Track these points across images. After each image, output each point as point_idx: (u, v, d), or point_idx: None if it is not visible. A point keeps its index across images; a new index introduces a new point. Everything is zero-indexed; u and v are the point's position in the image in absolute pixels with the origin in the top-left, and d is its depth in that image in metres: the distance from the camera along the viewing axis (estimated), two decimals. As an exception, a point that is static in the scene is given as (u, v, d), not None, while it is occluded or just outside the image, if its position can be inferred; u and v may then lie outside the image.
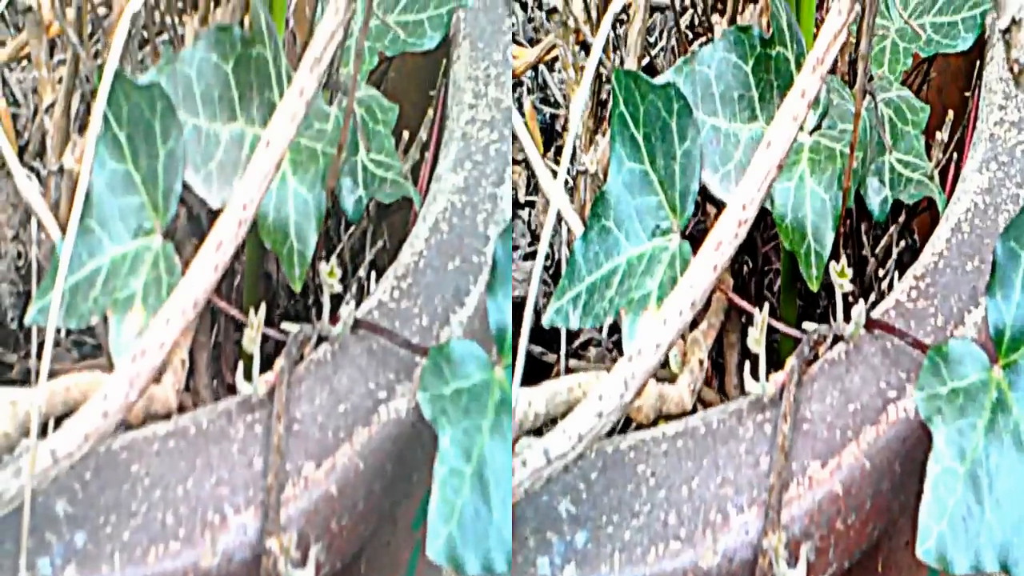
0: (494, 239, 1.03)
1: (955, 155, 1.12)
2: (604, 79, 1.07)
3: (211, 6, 1.06)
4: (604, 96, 1.10)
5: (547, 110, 1.29)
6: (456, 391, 0.90)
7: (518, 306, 1.24)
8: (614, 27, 1.17)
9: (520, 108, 1.26)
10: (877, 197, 1.05)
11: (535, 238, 1.27)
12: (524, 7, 1.36)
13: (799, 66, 0.97)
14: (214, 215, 0.97)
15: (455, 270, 1.01)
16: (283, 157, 0.85)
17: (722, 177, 0.97)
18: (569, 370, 1.18)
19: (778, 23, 0.97)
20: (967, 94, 1.19)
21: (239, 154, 0.97)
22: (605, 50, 1.05)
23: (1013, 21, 0.73)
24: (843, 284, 0.93)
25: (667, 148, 0.96)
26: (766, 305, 0.90)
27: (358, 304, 0.99)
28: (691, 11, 1.24)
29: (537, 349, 1.24)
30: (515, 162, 1.29)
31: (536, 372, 1.25)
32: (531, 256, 1.26)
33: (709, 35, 1.21)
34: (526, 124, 1.05)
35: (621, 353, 1.09)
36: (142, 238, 0.94)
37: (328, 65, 1.11)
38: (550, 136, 1.30)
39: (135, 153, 0.94)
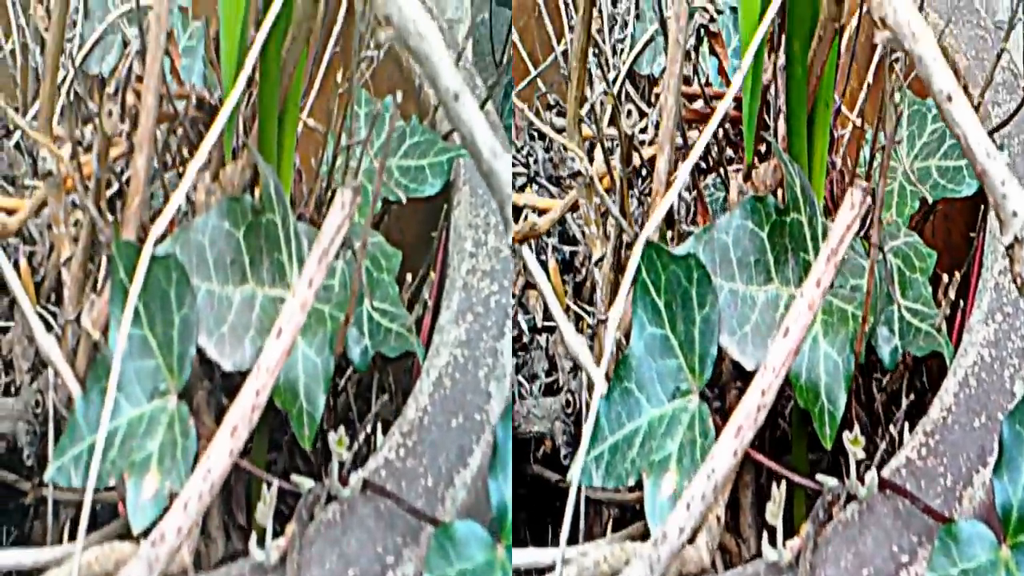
0: (496, 396, 1.02)
1: (962, 301, 1.11)
2: (625, 245, 1.07)
3: (221, 162, 1.05)
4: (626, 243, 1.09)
5: (566, 248, 1.28)
6: (460, 572, 0.89)
7: (537, 441, 1.23)
8: (639, 178, 1.16)
9: (543, 261, 1.25)
10: (887, 346, 1.04)
11: (552, 366, 1.26)
12: (542, 137, 1.35)
13: (813, 228, 0.97)
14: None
15: (458, 428, 1.00)
16: (294, 343, 0.85)
17: (739, 340, 0.97)
18: (587, 499, 1.16)
19: (792, 191, 0.97)
20: (972, 235, 1.18)
21: (250, 316, 0.97)
22: (625, 213, 1.04)
23: (1016, 239, 0.73)
24: (856, 452, 0.92)
25: (687, 314, 0.95)
26: (784, 483, 0.89)
27: (364, 459, 0.98)
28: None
29: (554, 476, 1.23)
30: (532, 287, 1.28)
31: (552, 497, 1.24)
32: (550, 390, 1.24)
33: (719, 169, 1.20)
34: (549, 279, 1.04)
35: (639, 483, 1.07)
36: (158, 400, 0.94)
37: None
38: (567, 270, 1.29)
39: (151, 319, 0.94)
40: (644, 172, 1.18)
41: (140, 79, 1.22)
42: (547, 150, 1.34)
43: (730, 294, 0.97)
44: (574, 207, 1.11)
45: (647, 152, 1.13)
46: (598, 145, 1.10)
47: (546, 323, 1.30)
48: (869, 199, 0.85)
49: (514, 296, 1.27)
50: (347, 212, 0.85)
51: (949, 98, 0.74)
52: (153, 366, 0.95)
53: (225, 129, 1.02)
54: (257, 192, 1.06)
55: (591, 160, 1.15)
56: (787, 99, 1.01)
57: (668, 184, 0.98)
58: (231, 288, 0.97)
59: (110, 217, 1.06)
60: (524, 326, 1.30)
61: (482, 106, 1.11)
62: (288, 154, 1.04)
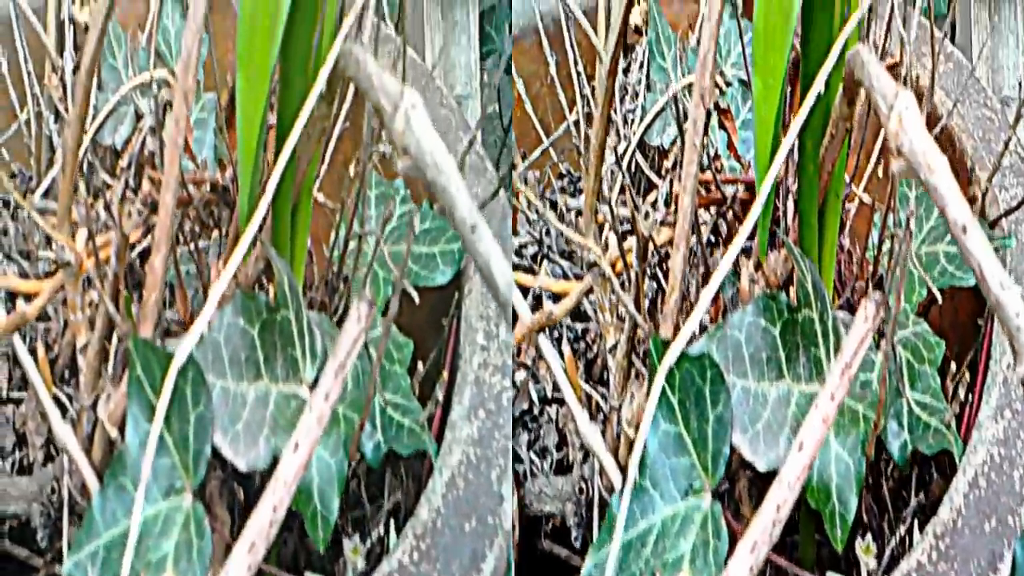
0: (508, 498, 1.01)
1: (970, 395, 1.10)
2: (639, 340, 1.06)
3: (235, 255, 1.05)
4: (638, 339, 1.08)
5: (578, 326, 1.27)
6: None
7: (547, 516, 1.22)
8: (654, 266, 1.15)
9: (558, 348, 1.24)
10: (896, 441, 1.04)
11: (563, 440, 1.25)
12: (553, 207, 1.34)
13: (824, 324, 0.96)
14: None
15: (471, 532, 0.98)
16: (311, 457, 0.84)
17: (751, 439, 0.96)
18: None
19: (804, 287, 0.96)
20: (980, 320, 1.17)
21: (264, 412, 0.96)
22: (639, 307, 1.04)
23: (1028, 374, 0.72)
24: (868, 562, 0.91)
25: (700, 412, 0.94)
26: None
27: (377, 558, 0.98)
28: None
29: (563, 552, 1.22)
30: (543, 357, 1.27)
31: (561, 573, 1.23)
32: (560, 466, 1.23)
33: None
34: (564, 369, 1.03)
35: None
36: (173, 497, 0.93)
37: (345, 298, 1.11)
38: (577, 339, 1.28)
39: (168, 417, 0.93)
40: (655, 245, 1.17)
41: (154, 158, 1.22)
42: (560, 219, 1.33)
43: (742, 391, 0.97)
44: (589, 290, 1.11)
45: (659, 236, 1.12)
46: (610, 224, 1.09)
47: (555, 394, 1.29)
48: (883, 311, 0.84)
49: (525, 368, 1.26)
50: (362, 325, 0.85)
51: (964, 229, 0.73)
52: (169, 464, 0.94)
53: (240, 221, 1.01)
54: (271, 287, 1.06)
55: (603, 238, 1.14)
56: (799, 195, 1.00)
57: (683, 280, 0.97)
58: (245, 385, 0.96)
59: (124, 289, 1.06)
60: (534, 396, 1.29)
61: (491, 198, 1.10)
62: (301, 245, 1.03)
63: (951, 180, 0.74)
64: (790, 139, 0.81)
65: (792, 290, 1.01)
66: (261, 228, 1.01)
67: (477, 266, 0.72)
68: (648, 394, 0.94)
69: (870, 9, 0.81)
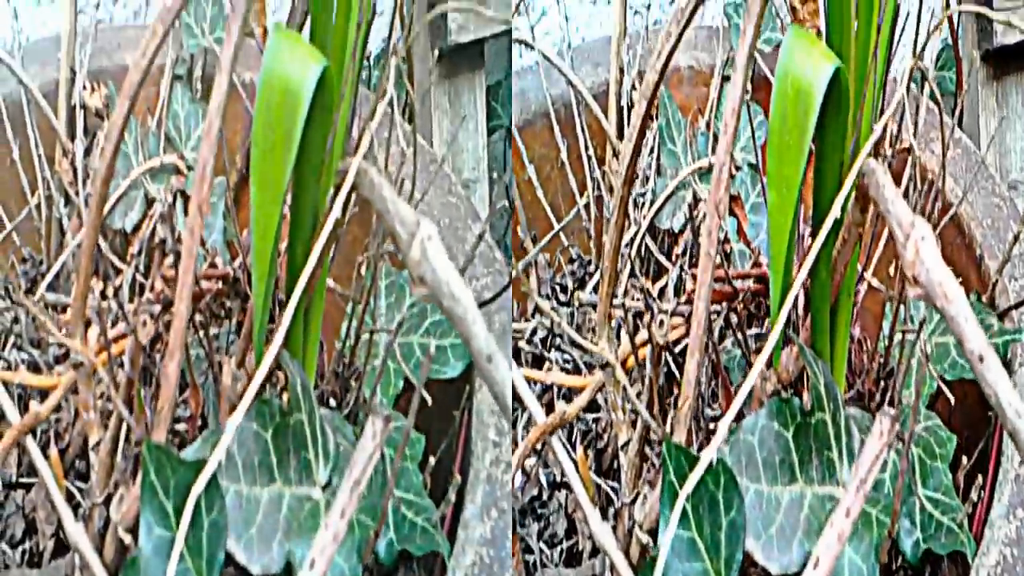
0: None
1: (981, 492, 1.10)
2: (651, 442, 1.06)
3: (247, 347, 1.05)
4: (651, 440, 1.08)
5: (588, 416, 1.26)
6: None
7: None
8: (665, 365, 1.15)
9: (569, 438, 1.24)
10: (909, 539, 1.04)
11: (572, 528, 1.24)
12: (564, 291, 1.33)
13: (836, 425, 0.96)
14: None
15: (486, 641, 0.99)
16: (326, 573, 0.83)
17: (764, 544, 0.95)
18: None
19: (817, 389, 0.96)
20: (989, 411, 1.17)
21: (278, 516, 0.96)
22: (652, 409, 1.03)
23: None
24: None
25: (714, 518, 0.94)
26: None
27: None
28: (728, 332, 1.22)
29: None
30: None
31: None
32: (571, 555, 1.22)
33: (737, 335, 1.19)
34: (577, 470, 1.03)
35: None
36: (187, 604, 0.94)
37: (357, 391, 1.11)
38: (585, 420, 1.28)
39: (181, 520, 0.93)
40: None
41: (164, 245, 1.22)
42: (567, 304, 1.33)
43: (755, 495, 0.96)
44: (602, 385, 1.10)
45: (671, 332, 1.12)
46: (622, 320, 1.09)
47: (565, 479, 1.28)
48: (898, 426, 0.84)
49: (536, 453, 1.25)
50: (378, 441, 0.84)
51: (981, 358, 0.73)
52: (183, 570, 0.94)
53: (256, 323, 1.01)
54: (280, 376, 1.05)
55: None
56: (810, 297, 1.00)
57: (696, 385, 0.97)
58: (259, 489, 0.96)
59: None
60: (544, 481, 1.29)
61: (501, 292, 1.10)
62: (313, 342, 1.03)
63: (968, 309, 0.73)
64: (803, 274, 0.80)
65: (802, 384, 1.01)
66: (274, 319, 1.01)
67: (492, 393, 0.72)
68: (661, 496, 0.94)
69: (883, 130, 0.81)
